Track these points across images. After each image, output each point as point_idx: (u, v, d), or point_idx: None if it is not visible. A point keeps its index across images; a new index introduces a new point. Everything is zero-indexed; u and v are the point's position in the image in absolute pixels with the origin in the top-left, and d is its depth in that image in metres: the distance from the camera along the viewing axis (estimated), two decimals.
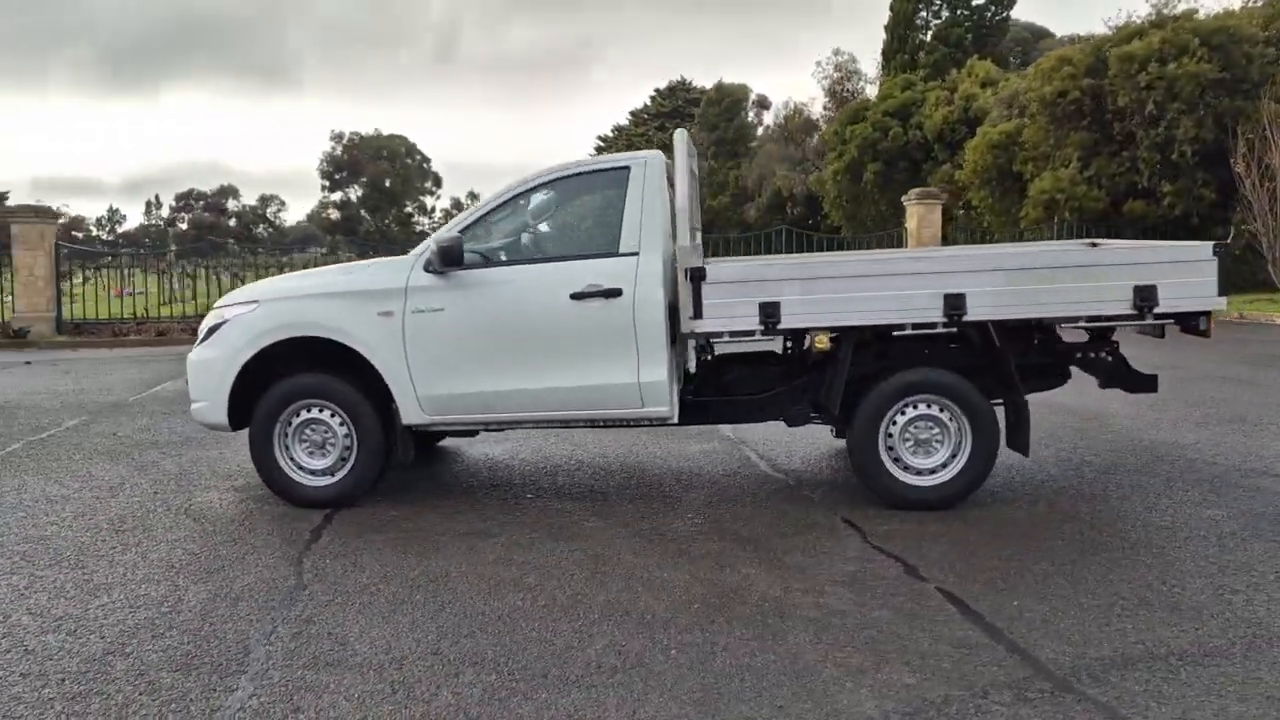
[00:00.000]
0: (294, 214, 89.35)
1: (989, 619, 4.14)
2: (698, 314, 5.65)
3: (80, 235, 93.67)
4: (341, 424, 6.01)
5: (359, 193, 72.80)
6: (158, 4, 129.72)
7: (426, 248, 5.88)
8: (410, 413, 5.92)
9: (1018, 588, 4.48)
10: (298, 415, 6.02)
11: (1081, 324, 5.69)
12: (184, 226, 74.76)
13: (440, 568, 4.91)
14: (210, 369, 6.06)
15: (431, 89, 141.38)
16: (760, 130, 53.58)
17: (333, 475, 6.05)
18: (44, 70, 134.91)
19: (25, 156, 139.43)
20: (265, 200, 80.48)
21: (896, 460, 5.77)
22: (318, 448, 6.05)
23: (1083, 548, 5.00)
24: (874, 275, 5.68)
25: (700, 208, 7.47)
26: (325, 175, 75.44)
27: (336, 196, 73.73)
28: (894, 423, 5.75)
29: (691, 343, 6.21)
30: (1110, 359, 6.04)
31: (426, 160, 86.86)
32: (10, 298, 19.66)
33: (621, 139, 72.12)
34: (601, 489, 6.41)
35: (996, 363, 5.79)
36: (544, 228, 6.18)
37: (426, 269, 5.85)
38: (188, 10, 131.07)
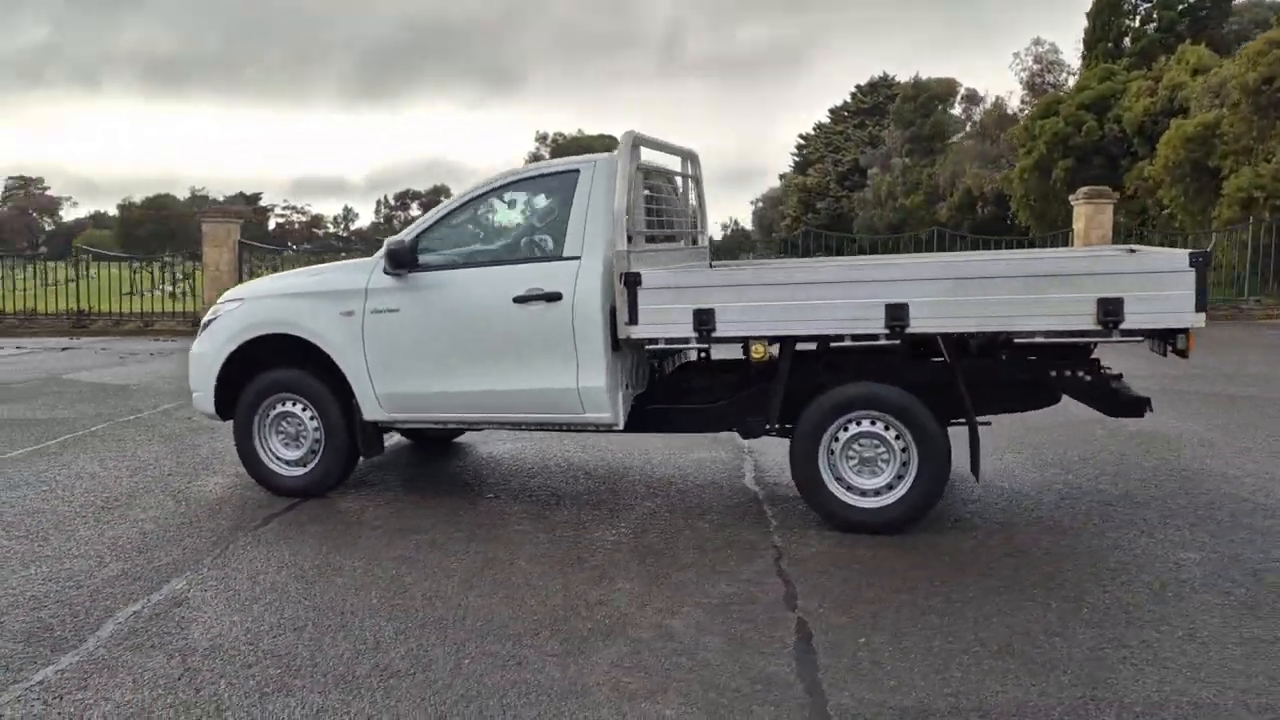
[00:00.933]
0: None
1: (819, 656, 3.87)
2: (633, 320, 5.54)
3: (320, 232, 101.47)
4: (312, 418, 6.29)
5: None
6: (406, 16, 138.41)
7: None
8: (370, 409, 6.12)
9: (883, 624, 4.15)
10: (274, 408, 6.36)
11: (1038, 339, 5.18)
12: (398, 224, 79.69)
13: (338, 562, 5.06)
14: (202, 362, 6.49)
15: (649, 90, 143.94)
16: (968, 125, 51.34)
17: (304, 466, 6.34)
18: (309, 82, 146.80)
19: (289, 161, 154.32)
20: None
21: (839, 479, 5.46)
22: (292, 439, 6.36)
23: (995, 587, 4.56)
24: (812, 283, 5.39)
25: (702, 208, 7.32)
26: None
27: None
28: (836, 439, 5.45)
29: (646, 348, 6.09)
30: (1089, 378, 5.46)
31: None
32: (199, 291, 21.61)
33: (820, 136, 71.09)
34: (567, 492, 6.40)
35: (948, 378, 5.37)
36: (497, 231, 6.24)
37: (385, 271, 6.03)
38: (434, 20, 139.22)
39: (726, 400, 5.86)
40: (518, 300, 5.74)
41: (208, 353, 6.47)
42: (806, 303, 5.33)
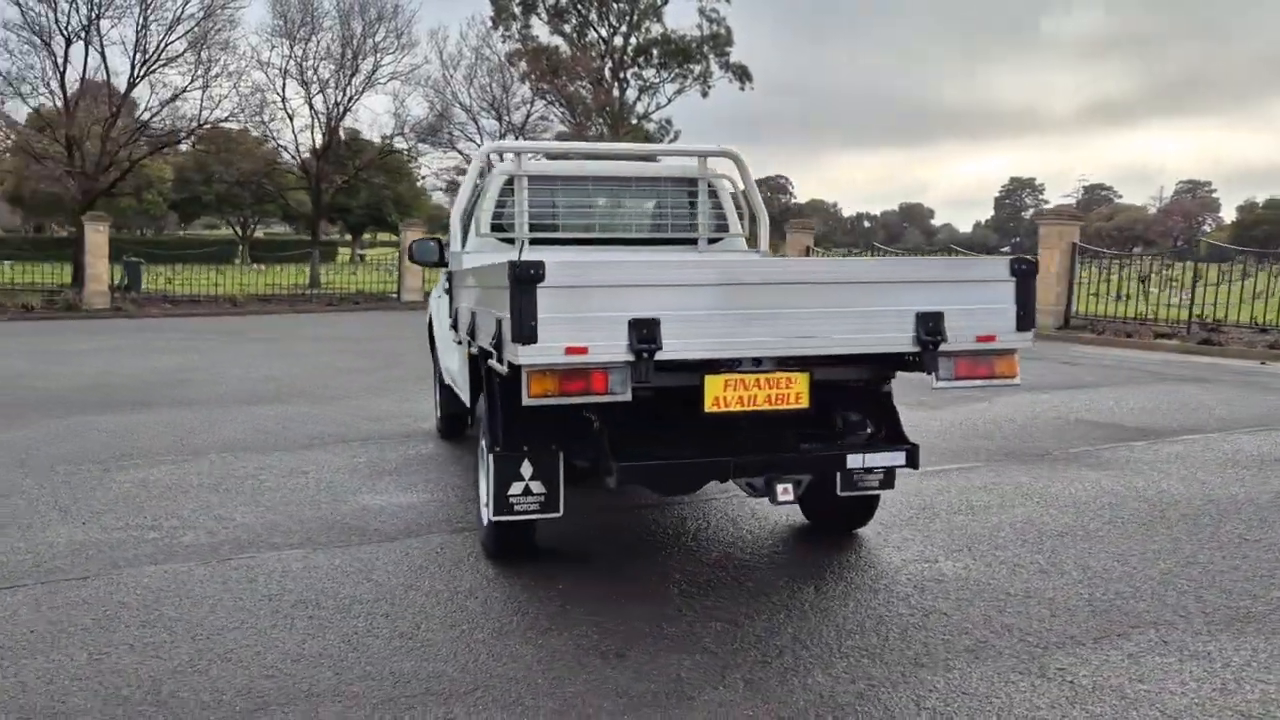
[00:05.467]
0: None
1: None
2: (454, 325, 6.16)
3: None
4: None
5: None
6: None
7: None
8: (443, 374, 7.98)
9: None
10: None
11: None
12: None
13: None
14: None
15: None
16: None
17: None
18: None
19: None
20: None
21: None
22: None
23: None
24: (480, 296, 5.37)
25: (749, 207, 6.79)
26: None
27: None
28: None
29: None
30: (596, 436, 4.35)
31: None
32: None
33: None
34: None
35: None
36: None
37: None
38: None
39: None
40: (439, 296, 7.09)
41: None
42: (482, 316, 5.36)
